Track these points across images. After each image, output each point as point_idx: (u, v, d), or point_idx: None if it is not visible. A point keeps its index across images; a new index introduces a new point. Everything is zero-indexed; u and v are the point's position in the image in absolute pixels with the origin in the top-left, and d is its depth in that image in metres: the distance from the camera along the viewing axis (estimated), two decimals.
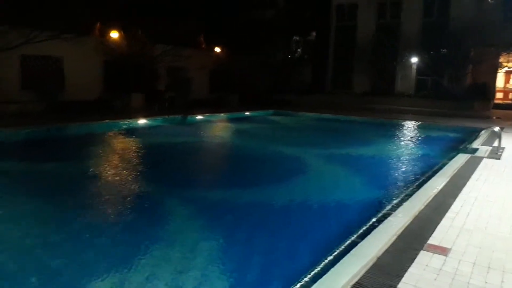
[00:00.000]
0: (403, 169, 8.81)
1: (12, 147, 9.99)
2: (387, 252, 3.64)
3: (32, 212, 5.32)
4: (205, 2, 23.25)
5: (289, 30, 27.99)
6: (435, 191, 5.64)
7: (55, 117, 12.97)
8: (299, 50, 30.27)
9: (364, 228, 4.41)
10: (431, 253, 3.62)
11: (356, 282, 3.08)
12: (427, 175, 7.04)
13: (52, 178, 7.15)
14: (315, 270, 3.42)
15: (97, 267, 3.84)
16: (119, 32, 17.50)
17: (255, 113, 19.15)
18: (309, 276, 3.32)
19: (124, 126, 13.06)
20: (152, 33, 17.55)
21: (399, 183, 7.31)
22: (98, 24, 17.28)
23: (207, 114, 16.95)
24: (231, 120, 16.98)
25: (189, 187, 6.90)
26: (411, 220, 4.46)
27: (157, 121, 14.54)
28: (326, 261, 3.63)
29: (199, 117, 16.42)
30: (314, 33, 29.16)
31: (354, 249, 3.62)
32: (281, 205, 6.16)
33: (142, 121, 14.17)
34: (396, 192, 6.36)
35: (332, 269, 3.20)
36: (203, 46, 23.32)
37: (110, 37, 17.39)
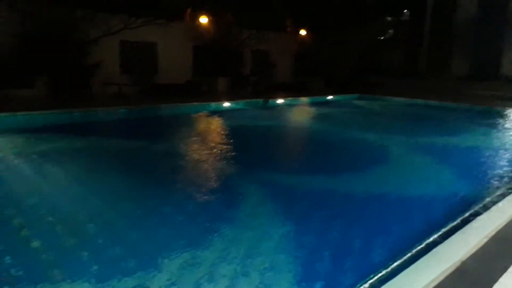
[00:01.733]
0: (502, 164, 7.82)
1: (111, 125, 11.00)
2: (474, 256, 3.24)
3: (121, 185, 5.79)
4: None
5: (381, 10, 26.36)
6: None
7: (148, 99, 13.95)
8: (390, 31, 28.45)
9: (449, 226, 4.00)
10: None
11: None
12: None
13: (141, 155, 7.72)
14: (388, 269, 3.19)
15: (171, 243, 4.04)
16: (208, 17, 18.05)
17: (339, 97, 18.56)
18: (380, 275, 3.10)
19: (209, 109, 13.57)
20: (239, 18, 17.82)
21: (495, 180, 6.50)
22: (188, 10, 18.00)
23: (289, 98, 16.84)
24: (313, 104, 16.67)
25: (266, 171, 6.92)
26: (506, 221, 3.92)
27: (239, 104, 14.85)
28: (401, 260, 3.36)
29: (280, 101, 16.38)
30: (407, 13, 27.11)
31: (434, 250, 3.29)
32: (359, 195, 5.88)
33: (226, 104, 14.58)
34: (490, 190, 5.66)
35: (407, 270, 2.94)
36: (289, 29, 23.06)
37: (200, 22, 18.03)
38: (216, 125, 11.67)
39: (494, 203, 4.56)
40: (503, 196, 4.88)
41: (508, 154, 8.60)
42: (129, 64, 16.71)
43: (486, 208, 4.40)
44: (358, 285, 3.02)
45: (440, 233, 3.87)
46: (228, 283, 3.36)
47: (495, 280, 2.89)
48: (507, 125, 12.63)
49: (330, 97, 18.37)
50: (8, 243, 3.84)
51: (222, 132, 10.58)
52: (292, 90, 19.75)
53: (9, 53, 12.54)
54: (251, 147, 9.00)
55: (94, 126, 10.54)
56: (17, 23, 12.58)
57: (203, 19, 18.04)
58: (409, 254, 3.49)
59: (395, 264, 3.31)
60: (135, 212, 4.84)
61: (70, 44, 13.55)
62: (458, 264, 3.09)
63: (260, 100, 15.54)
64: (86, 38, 14.13)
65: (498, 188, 5.66)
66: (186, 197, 5.50)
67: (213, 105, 14.06)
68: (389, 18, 27.92)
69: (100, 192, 5.44)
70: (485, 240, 3.50)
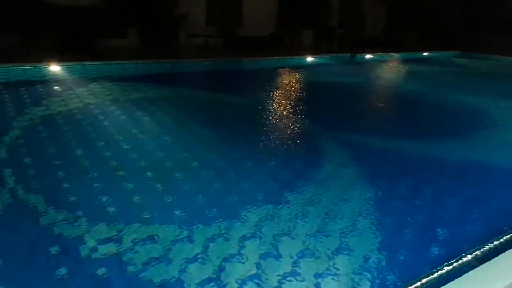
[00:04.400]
0: None
1: (196, 77, 11.28)
2: None
3: (205, 136, 5.93)
4: None
5: None
6: None
7: (232, 52, 13.97)
8: None
9: None
10: None
11: None
12: None
13: (224, 107, 7.81)
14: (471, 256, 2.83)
15: (250, 197, 4.05)
16: None
17: (435, 54, 16.87)
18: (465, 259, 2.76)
19: (292, 63, 13.20)
20: None
21: None
22: None
23: (379, 53, 15.71)
24: (405, 61, 15.37)
25: (349, 131, 6.59)
26: None
27: (324, 59, 14.22)
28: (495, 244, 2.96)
29: (369, 56, 15.36)
30: None
31: None
32: (452, 164, 5.35)
33: (310, 59, 14.06)
34: None
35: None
36: None
37: None
38: (299, 80, 11.35)
39: None
40: None
41: None
42: (215, 16, 16.73)
43: None
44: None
45: None
46: (305, 242, 3.28)
47: None
48: None
49: (426, 54, 16.78)
50: (105, 183, 4.15)
51: (305, 88, 10.26)
52: (382, 45, 18.34)
53: (104, 4, 13.20)
54: (335, 105, 8.61)
55: (180, 77, 10.88)
56: None
57: None
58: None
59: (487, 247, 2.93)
60: (218, 163, 4.92)
61: None
62: None
63: (347, 55, 14.72)
64: None
65: None
66: (266, 153, 5.45)
67: (297, 59, 13.65)
68: None
69: (186, 141, 5.63)
70: None
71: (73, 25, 11.27)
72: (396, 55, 15.96)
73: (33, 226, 3.34)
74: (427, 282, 2.33)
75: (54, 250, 3.02)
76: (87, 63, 9.84)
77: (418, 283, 2.31)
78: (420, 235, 3.52)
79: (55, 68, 9.30)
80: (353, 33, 18.62)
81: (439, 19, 21.45)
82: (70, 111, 6.59)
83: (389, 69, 14.40)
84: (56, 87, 8.11)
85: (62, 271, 2.80)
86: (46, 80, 8.72)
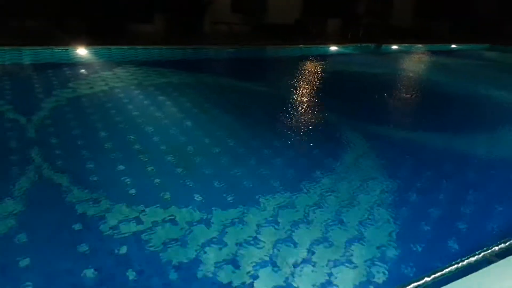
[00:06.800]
0: None
1: (219, 64, 11.30)
2: None
3: (226, 122, 5.96)
4: None
5: None
6: None
7: (257, 39, 13.89)
8: None
9: None
10: None
11: None
12: None
13: (246, 95, 7.82)
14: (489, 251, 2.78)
15: (270, 184, 4.08)
16: None
17: (464, 47, 16.34)
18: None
19: (316, 52, 13.04)
20: None
21: None
22: None
23: (405, 44, 15.33)
24: (432, 52, 14.96)
25: (372, 122, 6.50)
26: None
27: (348, 48, 13.99)
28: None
29: (395, 47, 15.01)
30: None
31: None
32: (477, 158, 5.23)
33: (333, 48, 13.85)
34: None
35: None
36: None
37: None
38: (322, 69, 11.22)
39: None
40: None
41: None
42: (241, 3, 16.62)
43: None
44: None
45: None
46: (322, 230, 3.29)
47: None
48: None
49: (454, 46, 16.27)
50: (127, 164, 4.25)
51: (328, 78, 10.14)
52: (410, 35, 17.85)
53: None
54: (358, 96, 8.49)
55: (204, 63, 10.92)
56: None
57: None
58: None
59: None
60: (238, 149, 4.96)
61: None
62: None
63: (372, 45, 14.43)
64: None
65: None
66: (287, 141, 5.46)
67: (321, 48, 13.47)
68: None
69: (207, 126, 5.68)
70: None
71: (100, 10, 11.44)
72: (422, 46, 15.54)
73: (57, 203, 3.47)
74: (440, 276, 2.31)
75: (77, 227, 3.13)
76: (113, 47, 10.00)
77: (432, 276, 2.29)
78: (439, 228, 3.48)
79: (82, 51, 9.49)
80: (380, 23, 18.18)
81: (473, 9, 20.59)
82: (96, 94, 6.73)
83: (414, 60, 14.05)
84: (82, 70, 8.29)
85: (84, 247, 2.91)
86: (73, 63, 8.91)
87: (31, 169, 3.98)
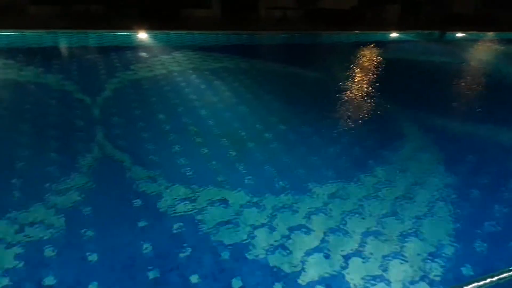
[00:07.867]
0: None
1: (273, 49, 11.26)
2: None
3: (278, 108, 5.96)
4: None
5: None
6: None
7: (311, 25, 13.64)
8: None
9: None
10: None
11: None
12: None
13: (300, 81, 7.75)
14: None
15: (319, 172, 4.05)
16: None
17: None
18: None
19: (375, 38, 12.56)
20: None
21: None
22: None
23: (471, 32, 14.32)
24: (502, 41, 13.87)
25: (430, 113, 6.20)
26: None
27: (409, 35, 13.32)
28: None
29: (459, 34, 14.09)
30: None
31: None
32: None
33: (393, 35, 13.26)
34: None
35: None
36: None
37: None
38: (379, 57, 10.80)
39: None
40: None
41: None
42: None
43: None
44: None
45: None
46: (374, 223, 3.23)
47: None
48: None
49: None
50: (183, 146, 4.41)
51: (386, 66, 9.74)
52: (476, 22, 16.65)
53: None
54: (418, 86, 8.10)
55: (258, 49, 10.94)
56: None
57: None
58: None
59: None
60: (289, 136, 4.96)
61: None
62: None
63: (436, 32, 13.63)
64: None
65: None
66: (340, 130, 5.37)
67: (379, 34, 12.96)
68: None
69: (260, 112, 5.72)
70: None
71: None
72: (490, 34, 14.44)
73: (119, 180, 3.69)
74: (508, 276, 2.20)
75: (136, 203, 3.32)
76: (172, 32, 10.29)
77: (495, 278, 2.18)
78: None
79: (142, 35, 9.87)
80: (443, 8, 17.09)
81: None
82: (155, 77, 7.00)
83: (482, 49, 13.11)
84: (143, 54, 8.63)
85: (143, 223, 3.08)
86: (134, 47, 9.29)
87: (95, 146, 4.25)
